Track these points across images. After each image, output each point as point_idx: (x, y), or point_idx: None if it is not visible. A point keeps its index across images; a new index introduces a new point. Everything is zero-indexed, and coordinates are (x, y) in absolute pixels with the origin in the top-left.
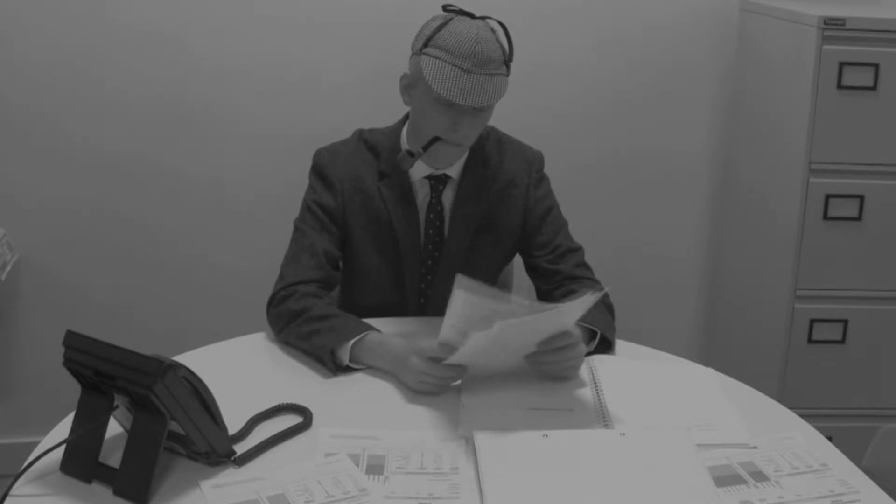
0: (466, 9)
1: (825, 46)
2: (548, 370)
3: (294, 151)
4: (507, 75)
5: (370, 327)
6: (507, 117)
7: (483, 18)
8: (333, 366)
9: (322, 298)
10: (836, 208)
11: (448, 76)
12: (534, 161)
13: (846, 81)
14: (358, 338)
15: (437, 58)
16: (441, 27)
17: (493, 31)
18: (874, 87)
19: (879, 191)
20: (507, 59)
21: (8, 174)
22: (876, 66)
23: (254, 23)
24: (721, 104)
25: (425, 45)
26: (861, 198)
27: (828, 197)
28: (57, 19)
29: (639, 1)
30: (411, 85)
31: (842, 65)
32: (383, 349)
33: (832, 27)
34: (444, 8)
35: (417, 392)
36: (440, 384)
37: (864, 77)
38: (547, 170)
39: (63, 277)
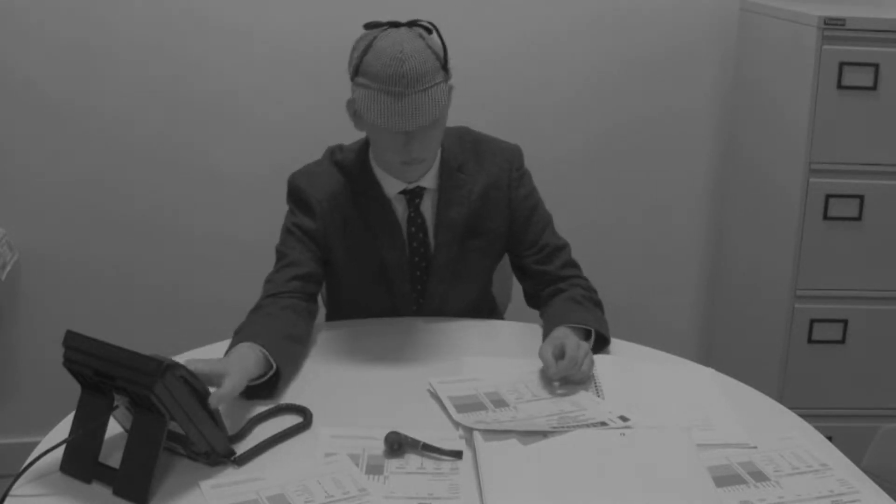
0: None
1: (825, 46)
2: (570, 379)
3: (306, 151)
4: (447, 80)
5: (251, 342)
6: (508, 108)
7: (410, 25)
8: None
9: (288, 307)
10: (836, 208)
11: (381, 104)
12: (513, 159)
13: (846, 81)
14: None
15: (366, 87)
16: (365, 51)
17: (421, 36)
18: (874, 87)
19: (879, 191)
20: (443, 64)
21: (8, 174)
22: (876, 66)
23: (264, 10)
24: (721, 104)
25: (355, 73)
26: (861, 198)
27: (828, 197)
28: (57, 19)
29: (638, 1)
30: (357, 111)
31: (842, 65)
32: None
33: (832, 27)
34: (366, 26)
35: None
36: None
37: (864, 77)
38: (545, 168)
39: (63, 277)
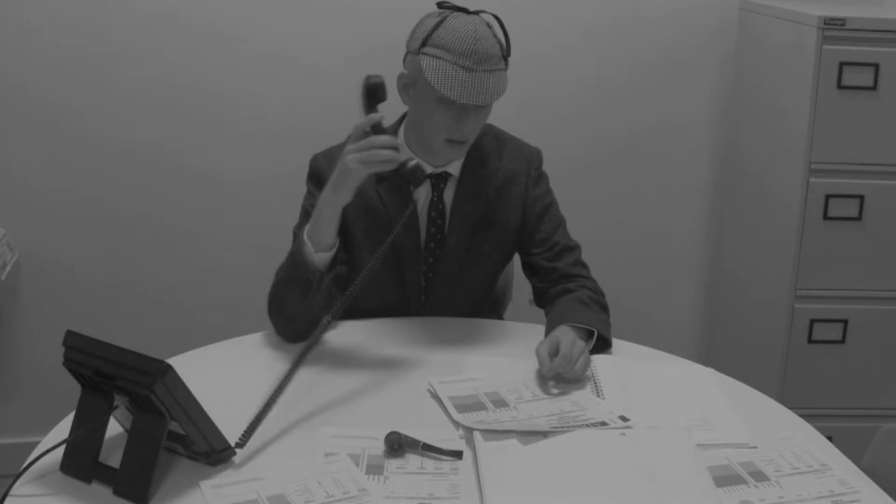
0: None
1: (825, 46)
2: (564, 376)
3: (303, 152)
4: (506, 69)
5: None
6: (508, 109)
7: (478, 13)
8: (317, 271)
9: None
10: (836, 208)
11: (451, 76)
12: (532, 158)
13: (846, 81)
14: (305, 233)
15: (437, 57)
16: (438, 25)
17: (489, 25)
18: (874, 87)
19: (879, 191)
20: (506, 54)
21: (8, 175)
22: (876, 66)
23: (260, 13)
24: (720, 104)
25: (423, 44)
26: (861, 198)
27: (828, 197)
28: (58, 24)
29: (638, 1)
30: (410, 84)
31: (842, 65)
32: (318, 203)
33: (832, 27)
34: (439, 5)
35: (358, 171)
36: (376, 155)
37: (864, 77)
38: (545, 168)
39: (63, 278)
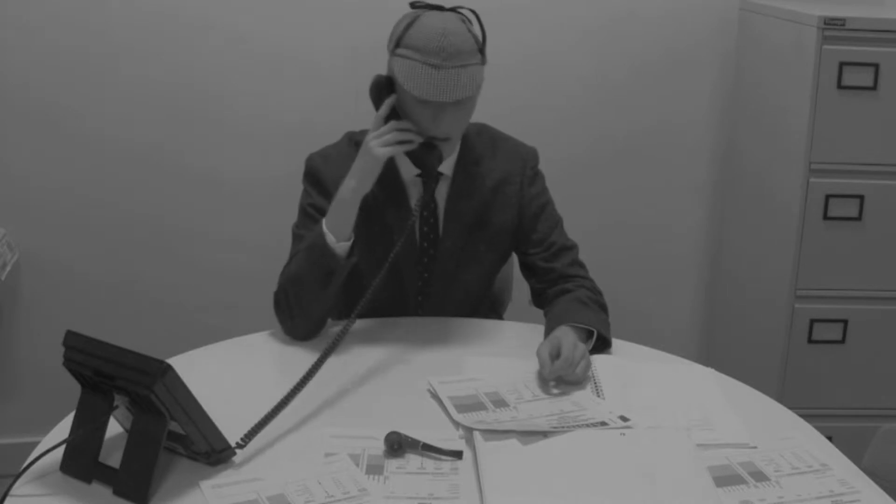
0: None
1: (825, 46)
2: (564, 379)
3: (302, 152)
4: (483, 63)
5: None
6: (507, 109)
7: (453, 10)
8: (341, 259)
9: None
10: (836, 208)
11: (419, 74)
12: (528, 158)
13: (846, 81)
14: (324, 220)
15: (407, 57)
16: (409, 26)
17: (463, 21)
18: (874, 87)
19: (879, 191)
20: (481, 48)
21: (8, 175)
22: (876, 66)
23: (260, 13)
24: (720, 104)
25: (396, 45)
26: (861, 198)
27: (828, 197)
28: (58, 25)
29: (638, 1)
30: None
31: (842, 65)
32: (339, 193)
33: (832, 27)
34: (412, 5)
35: (383, 154)
36: (398, 136)
37: (864, 77)
38: (545, 168)
39: (63, 278)
